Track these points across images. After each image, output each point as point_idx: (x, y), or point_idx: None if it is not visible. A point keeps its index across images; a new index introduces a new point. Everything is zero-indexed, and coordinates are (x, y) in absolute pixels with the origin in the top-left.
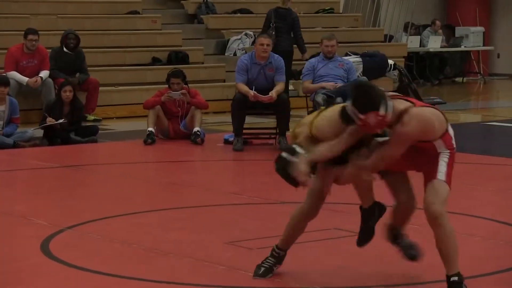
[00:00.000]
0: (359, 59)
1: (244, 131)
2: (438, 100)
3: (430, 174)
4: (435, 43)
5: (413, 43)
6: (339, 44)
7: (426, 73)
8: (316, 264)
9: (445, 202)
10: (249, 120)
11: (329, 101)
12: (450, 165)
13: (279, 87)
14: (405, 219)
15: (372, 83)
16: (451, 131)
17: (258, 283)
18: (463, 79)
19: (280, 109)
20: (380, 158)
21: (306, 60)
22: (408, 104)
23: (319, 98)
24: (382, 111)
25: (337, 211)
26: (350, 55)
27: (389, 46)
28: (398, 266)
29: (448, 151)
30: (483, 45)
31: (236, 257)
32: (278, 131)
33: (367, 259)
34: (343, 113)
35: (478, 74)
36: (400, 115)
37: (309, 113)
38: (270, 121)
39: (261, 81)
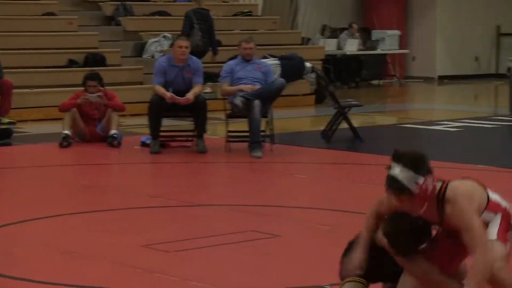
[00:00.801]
0: (277, 62)
1: (162, 133)
2: (355, 102)
3: None
4: (352, 46)
5: (330, 46)
6: (257, 47)
7: (343, 76)
8: (233, 266)
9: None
10: (167, 122)
11: (248, 104)
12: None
13: (196, 89)
14: None
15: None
16: (493, 196)
17: (175, 286)
18: (379, 82)
19: (198, 111)
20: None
21: (216, 62)
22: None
23: (238, 100)
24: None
25: (254, 213)
26: (268, 58)
27: (306, 49)
28: (317, 266)
29: (498, 213)
30: (399, 48)
31: (152, 260)
32: (195, 133)
33: (285, 260)
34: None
35: (394, 77)
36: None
37: (227, 115)
38: (187, 124)
39: (179, 83)
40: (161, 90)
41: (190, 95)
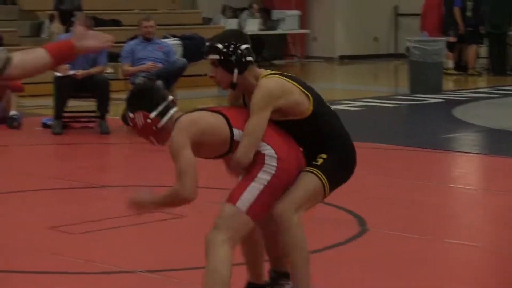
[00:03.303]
0: (179, 42)
1: (64, 114)
2: None
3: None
4: (252, 26)
5: (231, 26)
6: (158, 27)
7: None
8: (139, 247)
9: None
10: (69, 103)
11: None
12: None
13: (98, 68)
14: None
15: (158, 86)
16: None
17: (81, 268)
18: (280, 62)
19: (100, 92)
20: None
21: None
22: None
23: (139, 81)
24: (152, 115)
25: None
26: (169, 38)
27: (207, 28)
28: None
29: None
30: (299, 29)
31: (58, 242)
32: (98, 114)
33: (191, 240)
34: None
35: (295, 57)
36: None
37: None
38: (90, 104)
39: (81, 62)
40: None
41: (81, 72)
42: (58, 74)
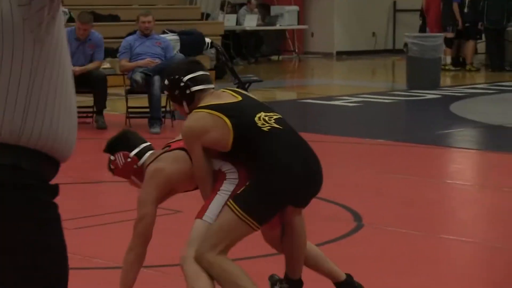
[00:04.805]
0: (177, 37)
1: None
2: (255, 78)
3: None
4: (251, 21)
5: (230, 21)
6: (156, 22)
7: (243, 52)
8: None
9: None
10: None
11: (147, 80)
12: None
13: (95, 64)
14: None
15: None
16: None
17: (77, 263)
18: (278, 57)
19: (97, 87)
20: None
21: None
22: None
23: (138, 76)
24: (132, 154)
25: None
26: (167, 33)
27: (206, 24)
28: None
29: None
30: (298, 24)
31: None
32: (95, 109)
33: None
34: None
35: (293, 53)
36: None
37: (126, 91)
38: (87, 100)
39: (79, 57)
40: None
41: (79, 69)
42: None
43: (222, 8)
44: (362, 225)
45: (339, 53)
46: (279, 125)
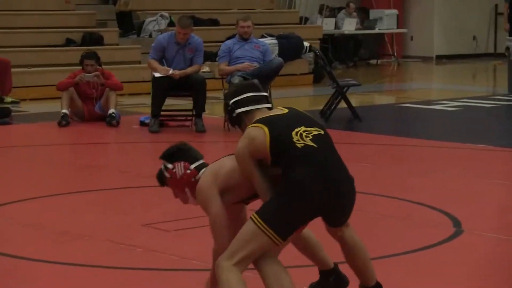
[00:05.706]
0: (275, 41)
1: (161, 113)
2: (353, 82)
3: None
4: (349, 25)
5: (328, 25)
6: (255, 26)
7: (341, 55)
8: None
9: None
10: (166, 101)
11: None
12: None
13: (195, 68)
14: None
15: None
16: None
17: (174, 265)
18: (377, 61)
19: (197, 91)
20: None
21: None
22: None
23: (236, 80)
24: (192, 166)
25: None
26: (266, 37)
27: (304, 28)
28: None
29: None
30: (397, 28)
31: (152, 239)
32: (194, 112)
33: None
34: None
35: (392, 56)
36: None
37: (225, 95)
38: (186, 103)
39: (179, 61)
40: (154, 64)
41: (179, 72)
42: (156, 74)
43: (320, 12)
44: (461, 231)
45: (439, 57)
46: (314, 143)
